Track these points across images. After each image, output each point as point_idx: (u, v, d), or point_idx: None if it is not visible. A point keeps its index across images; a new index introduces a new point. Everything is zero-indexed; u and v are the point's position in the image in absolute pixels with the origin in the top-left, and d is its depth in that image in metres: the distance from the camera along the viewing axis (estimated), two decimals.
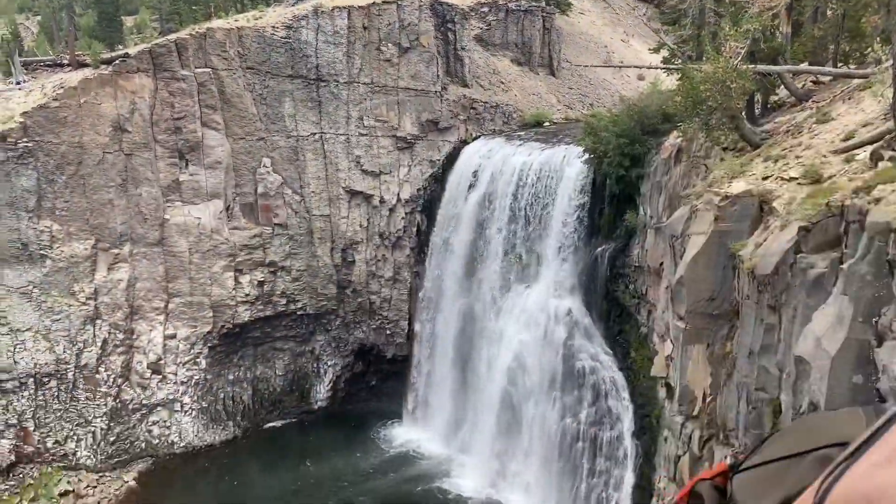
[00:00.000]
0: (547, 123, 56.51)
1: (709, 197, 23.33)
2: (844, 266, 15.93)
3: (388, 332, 55.53)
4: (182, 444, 49.21)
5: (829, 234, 17.84)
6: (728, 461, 2.71)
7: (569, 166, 43.63)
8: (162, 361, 48.54)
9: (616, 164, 39.49)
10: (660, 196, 36.82)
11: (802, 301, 17.93)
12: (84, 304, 45.54)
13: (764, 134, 27.88)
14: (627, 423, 39.27)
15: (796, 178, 21.82)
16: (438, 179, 53.27)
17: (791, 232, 18.99)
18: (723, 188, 23.18)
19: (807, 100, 28.82)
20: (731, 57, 25.86)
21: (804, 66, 30.26)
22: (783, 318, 19.20)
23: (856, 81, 25.99)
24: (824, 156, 22.05)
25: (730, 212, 22.37)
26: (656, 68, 48.49)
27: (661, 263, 34.14)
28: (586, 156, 41.64)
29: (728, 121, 26.90)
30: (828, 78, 29.19)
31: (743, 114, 27.82)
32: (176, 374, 49.11)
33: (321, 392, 55.81)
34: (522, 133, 53.55)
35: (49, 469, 44.43)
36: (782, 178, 22.37)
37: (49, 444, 44.77)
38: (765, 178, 23.10)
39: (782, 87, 30.71)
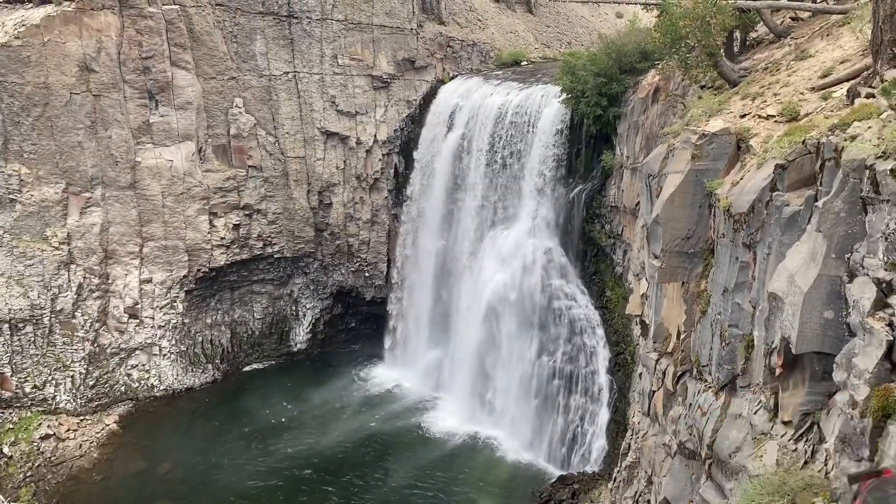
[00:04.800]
0: (524, 62, 55.78)
1: (686, 135, 23.22)
2: (819, 203, 16.00)
3: (366, 274, 55.59)
4: (162, 388, 49.41)
5: (804, 172, 17.88)
6: None
7: (546, 107, 43.32)
8: (139, 306, 48.29)
9: (593, 103, 39.27)
10: (636, 136, 36.75)
11: (777, 239, 18.08)
12: (57, 248, 44.90)
13: (742, 71, 27.69)
14: (602, 360, 40.06)
15: (773, 116, 21.78)
16: (416, 120, 52.64)
17: (767, 170, 19.02)
18: (700, 126, 23.08)
19: (786, 36, 28.58)
20: None
21: (784, 1, 29.92)
22: (757, 255, 19.39)
23: (835, 17, 25.76)
24: (802, 93, 21.98)
25: (706, 150, 22.31)
26: (634, 3, 47.77)
27: (637, 203, 34.30)
28: (564, 96, 41.30)
29: (707, 58, 26.65)
30: (807, 14, 28.91)
31: (722, 51, 27.56)
32: (153, 319, 48.95)
33: (300, 335, 56.06)
34: (500, 72, 52.87)
35: (29, 413, 44.48)
36: (759, 116, 22.31)
37: (27, 389, 44.70)
38: (742, 116, 23.02)
39: (761, 23, 30.41)
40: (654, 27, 30.66)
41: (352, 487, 40.84)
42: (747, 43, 31.77)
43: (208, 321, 52.66)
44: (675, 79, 33.08)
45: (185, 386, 50.34)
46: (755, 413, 19.00)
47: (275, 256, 53.52)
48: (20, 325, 44.35)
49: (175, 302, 49.65)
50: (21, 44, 42.18)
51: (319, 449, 44.03)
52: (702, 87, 29.62)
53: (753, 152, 20.94)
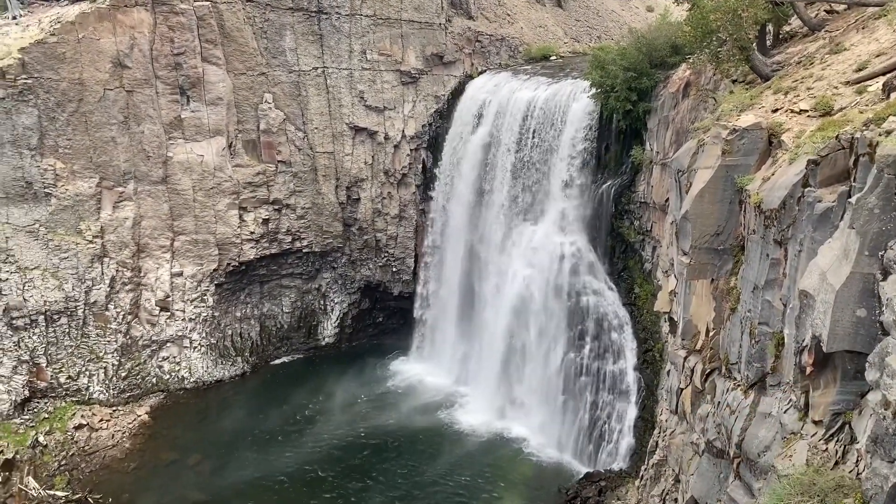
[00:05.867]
0: (553, 57, 55.43)
1: (716, 130, 22.92)
2: (852, 199, 15.72)
3: (394, 269, 55.77)
4: (192, 380, 50.12)
5: (837, 168, 17.57)
6: None
7: (575, 101, 42.99)
8: (170, 299, 48.99)
9: (623, 98, 38.89)
10: (667, 131, 36.36)
11: (809, 235, 17.80)
12: (91, 242, 45.72)
13: (775, 65, 27.26)
14: (630, 357, 39.75)
15: (806, 111, 21.41)
16: (444, 115, 52.61)
17: (799, 165, 18.71)
18: (731, 121, 22.76)
19: (820, 29, 28.07)
20: None
21: None
22: (789, 252, 19.09)
23: (871, 10, 25.23)
24: (836, 87, 21.58)
25: (737, 145, 22.01)
26: None
27: (667, 199, 33.96)
28: (593, 90, 40.97)
29: (738, 52, 26.26)
30: (842, 6, 28.35)
31: (754, 45, 27.14)
32: (184, 311, 49.63)
33: (328, 328, 56.45)
34: (528, 67, 52.60)
35: (63, 403, 45.40)
36: (792, 111, 21.95)
37: (62, 380, 45.62)
38: (774, 111, 22.67)
39: (795, 16, 29.87)
40: (685, 21, 30.29)
41: (377, 481, 41.04)
42: (780, 36, 31.24)
43: (238, 314, 53.25)
44: (706, 73, 32.67)
45: (214, 378, 51.01)
46: (785, 412, 18.75)
47: (303, 251, 53.94)
48: (55, 316, 45.25)
49: (205, 295, 50.29)
50: (56, 40, 42.94)
51: (345, 443, 44.34)
52: (733, 81, 29.21)
53: (785, 147, 20.62)
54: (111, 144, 45.57)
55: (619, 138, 41.20)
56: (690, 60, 32.38)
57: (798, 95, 22.51)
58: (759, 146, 21.79)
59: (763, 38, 29.75)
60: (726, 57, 26.85)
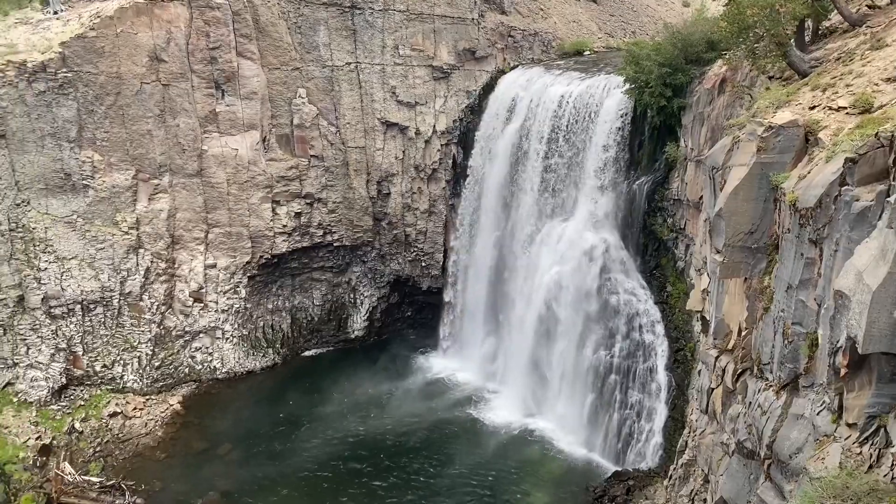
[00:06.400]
0: (587, 52, 55.05)
1: (752, 127, 22.59)
2: (891, 199, 15.43)
3: (423, 264, 55.91)
4: (224, 370, 50.81)
5: (876, 166, 17.25)
6: None
7: (609, 97, 42.64)
8: (203, 290, 49.68)
9: (657, 94, 38.50)
10: (702, 127, 35.91)
11: (845, 235, 17.49)
12: (126, 233, 46.50)
13: (813, 62, 26.75)
14: (661, 357, 39.38)
15: (845, 108, 21.00)
16: (475, 110, 52.54)
17: (837, 163, 18.39)
18: (767, 118, 22.41)
19: (861, 25, 27.45)
20: None
21: None
22: (824, 251, 18.79)
23: None
24: (876, 84, 21.13)
25: (773, 143, 21.67)
26: None
27: (701, 197, 33.55)
28: (627, 86, 40.62)
29: (775, 48, 25.83)
30: (884, 1, 27.71)
31: (792, 40, 26.66)
32: (217, 303, 50.30)
33: (358, 322, 56.81)
34: (561, 62, 52.29)
35: (98, 391, 46.34)
36: (830, 108, 21.55)
37: (97, 368, 46.56)
38: (812, 108, 22.28)
39: (835, 11, 29.28)
40: (722, 16, 29.88)
41: (402, 478, 41.20)
42: (819, 32, 30.63)
43: (269, 306, 53.83)
44: (742, 69, 32.19)
45: (246, 369, 51.66)
46: (818, 414, 18.48)
47: (334, 245, 54.32)
48: (91, 306, 46.16)
49: (238, 287, 50.91)
50: (96, 35, 43.69)
51: (372, 437, 44.59)
52: (770, 77, 28.74)
53: (822, 145, 20.26)
54: (147, 137, 46.29)
55: (652, 134, 40.79)
56: (727, 56, 31.96)
57: (837, 92, 22.08)
58: (796, 144, 21.44)
59: (801, 33, 29.19)
60: (763, 53, 26.44)
